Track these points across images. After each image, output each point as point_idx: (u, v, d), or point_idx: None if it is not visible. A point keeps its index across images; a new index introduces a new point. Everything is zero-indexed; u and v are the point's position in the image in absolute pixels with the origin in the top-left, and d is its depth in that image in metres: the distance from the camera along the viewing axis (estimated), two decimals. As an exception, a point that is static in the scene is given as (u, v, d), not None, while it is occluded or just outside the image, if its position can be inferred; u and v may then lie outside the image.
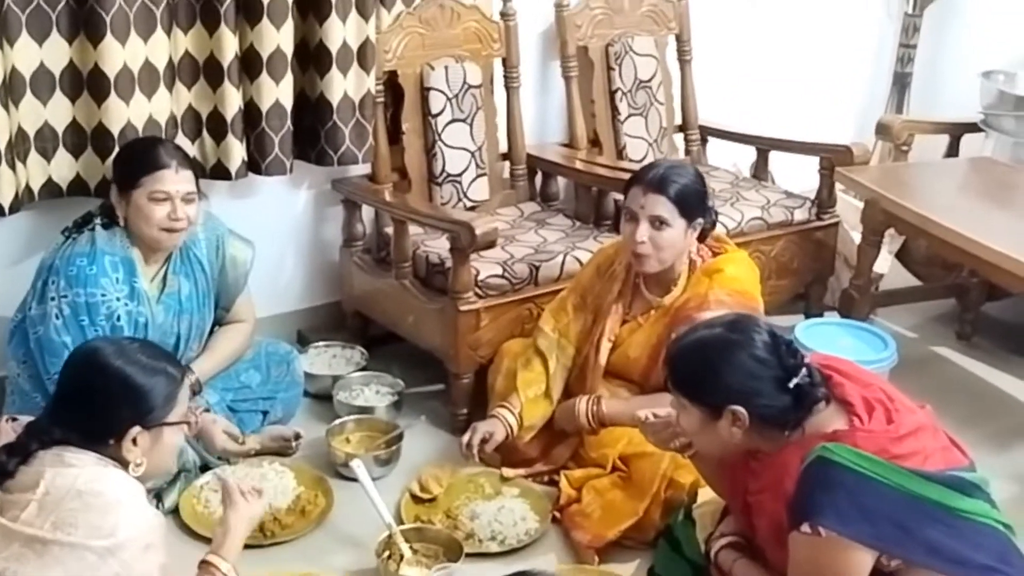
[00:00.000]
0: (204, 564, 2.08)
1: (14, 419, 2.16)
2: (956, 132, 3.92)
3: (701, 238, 2.77)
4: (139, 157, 2.66)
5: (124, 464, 1.94)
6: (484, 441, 2.77)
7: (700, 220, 2.71)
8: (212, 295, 2.85)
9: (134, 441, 1.93)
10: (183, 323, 2.77)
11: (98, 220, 2.68)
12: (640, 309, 2.82)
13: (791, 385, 1.97)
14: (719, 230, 3.37)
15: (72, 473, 1.86)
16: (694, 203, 2.68)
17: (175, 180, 2.63)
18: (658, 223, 2.65)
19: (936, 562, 1.87)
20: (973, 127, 3.90)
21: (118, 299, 2.61)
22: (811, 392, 1.99)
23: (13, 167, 2.78)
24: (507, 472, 2.87)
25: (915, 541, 1.86)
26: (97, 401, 1.93)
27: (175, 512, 2.71)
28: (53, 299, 2.58)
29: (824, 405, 2.00)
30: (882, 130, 3.90)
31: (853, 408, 1.97)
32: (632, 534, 2.60)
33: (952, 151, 3.94)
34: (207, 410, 2.76)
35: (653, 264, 2.71)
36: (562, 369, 2.87)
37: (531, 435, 2.84)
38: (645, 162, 3.71)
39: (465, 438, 2.77)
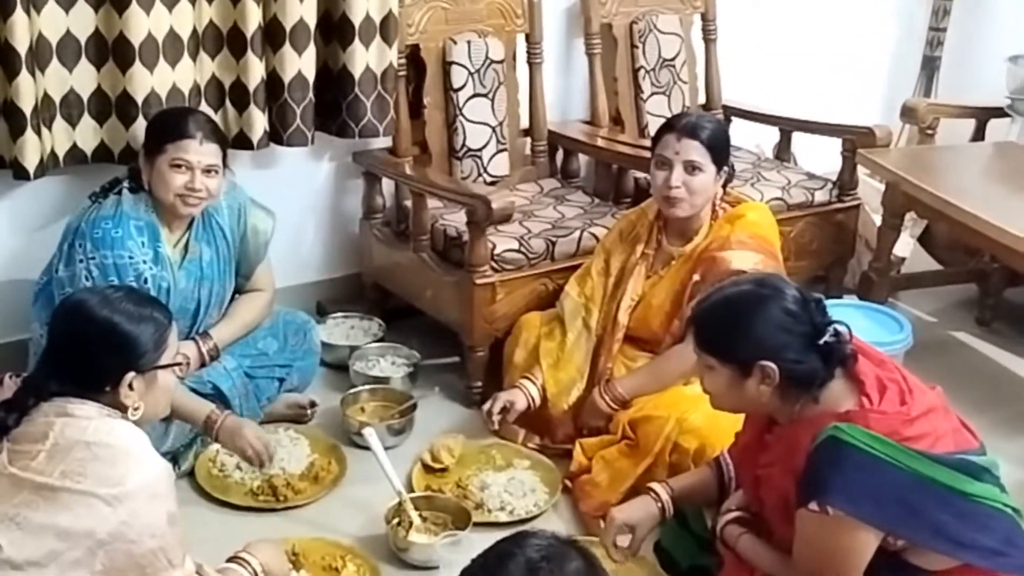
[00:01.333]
0: (236, 559, 2.12)
1: (17, 375, 2.19)
2: (982, 117, 3.89)
3: (723, 187, 2.82)
4: (168, 124, 2.70)
5: (122, 409, 1.96)
6: (505, 411, 2.80)
7: (727, 168, 2.79)
8: (233, 263, 2.88)
9: (130, 386, 1.95)
10: (204, 290, 2.80)
11: (125, 184, 2.72)
12: (662, 262, 2.87)
13: (820, 343, 1.96)
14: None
15: (81, 424, 1.89)
16: (723, 149, 2.78)
17: (198, 151, 2.65)
18: (691, 168, 2.72)
19: (942, 544, 1.88)
20: (1000, 112, 3.86)
21: (144, 262, 2.65)
22: (838, 351, 1.98)
23: (39, 132, 2.82)
24: (525, 440, 2.89)
25: (922, 523, 1.86)
26: (89, 350, 1.94)
27: (191, 475, 2.75)
28: (81, 261, 2.61)
29: (840, 377, 2.00)
30: (908, 113, 3.87)
31: (864, 387, 1.96)
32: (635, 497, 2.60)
33: (978, 136, 3.91)
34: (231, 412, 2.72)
35: (686, 208, 2.76)
36: (587, 332, 2.89)
37: (566, 405, 2.85)
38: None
39: (486, 406, 2.81)
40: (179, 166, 2.64)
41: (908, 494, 1.86)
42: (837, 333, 2.00)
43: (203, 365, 2.80)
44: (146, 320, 1.98)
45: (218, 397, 2.79)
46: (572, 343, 2.88)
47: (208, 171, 2.67)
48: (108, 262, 2.61)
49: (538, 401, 2.84)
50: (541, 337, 2.92)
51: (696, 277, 2.73)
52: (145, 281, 2.63)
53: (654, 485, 2.40)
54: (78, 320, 1.97)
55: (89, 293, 2.05)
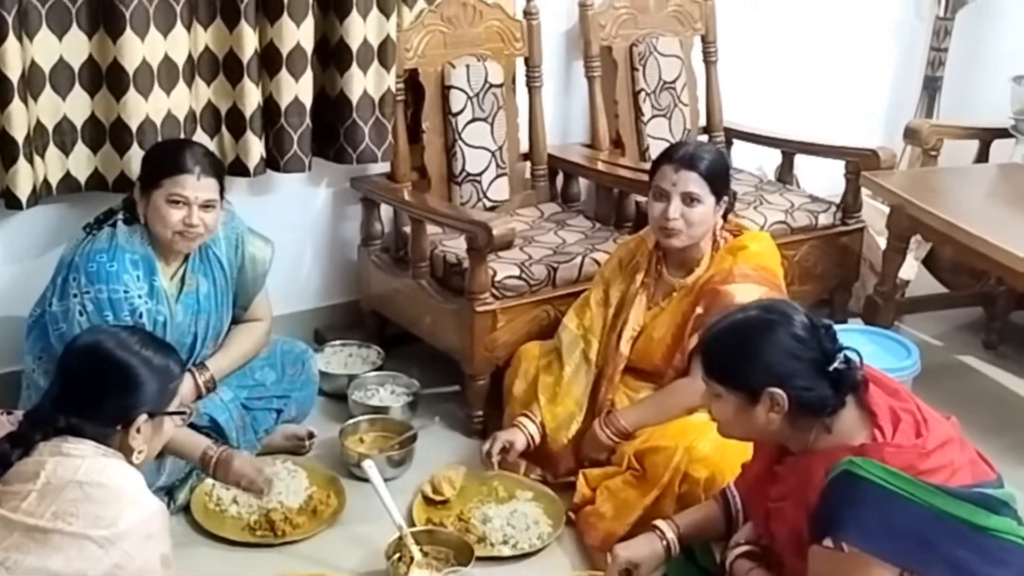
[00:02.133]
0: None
1: (9, 412, 2.16)
2: (986, 137, 3.85)
3: (723, 216, 2.78)
4: (165, 158, 2.64)
5: (126, 452, 1.95)
6: (504, 451, 2.75)
7: (726, 198, 2.74)
8: (230, 294, 2.83)
9: (138, 430, 1.95)
10: (201, 323, 2.75)
11: (120, 216, 2.67)
12: (663, 293, 2.82)
13: (830, 369, 1.93)
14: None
15: (74, 464, 1.86)
16: (722, 179, 2.73)
17: (195, 186, 2.59)
18: (689, 200, 2.68)
19: None
20: (1004, 132, 3.82)
21: (139, 296, 2.59)
22: (848, 378, 1.95)
23: (31, 161, 2.78)
24: (527, 472, 2.85)
25: (939, 558, 1.82)
26: (108, 389, 1.94)
27: (186, 510, 2.70)
28: (76, 296, 2.56)
29: (852, 406, 1.96)
30: (911, 134, 3.84)
31: (876, 419, 1.93)
32: (643, 531, 2.55)
33: (982, 156, 3.87)
34: (232, 446, 2.71)
35: (683, 239, 2.72)
36: (587, 365, 2.84)
37: (565, 439, 2.80)
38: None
39: (485, 446, 2.76)
40: (176, 202, 2.59)
41: (925, 530, 1.82)
42: (847, 360, 1.96)
43: (199, 397, 2.74)
44: (164, 364, 2.00)
45: (215, 430, 2.75)
46: (570, 376, 2.83)
47: (206, 206, 2.62)
48: (103, 296, 2.55)
49: (538, 439, 2.79)
50: (540, 370, 2.87)
51: (699, 310, 2.68)
52: (140, 316, 2.57)
53: (659, 523, 2.38)
54: (98, 358, 1.97)
55: (106, 333, 2.05)
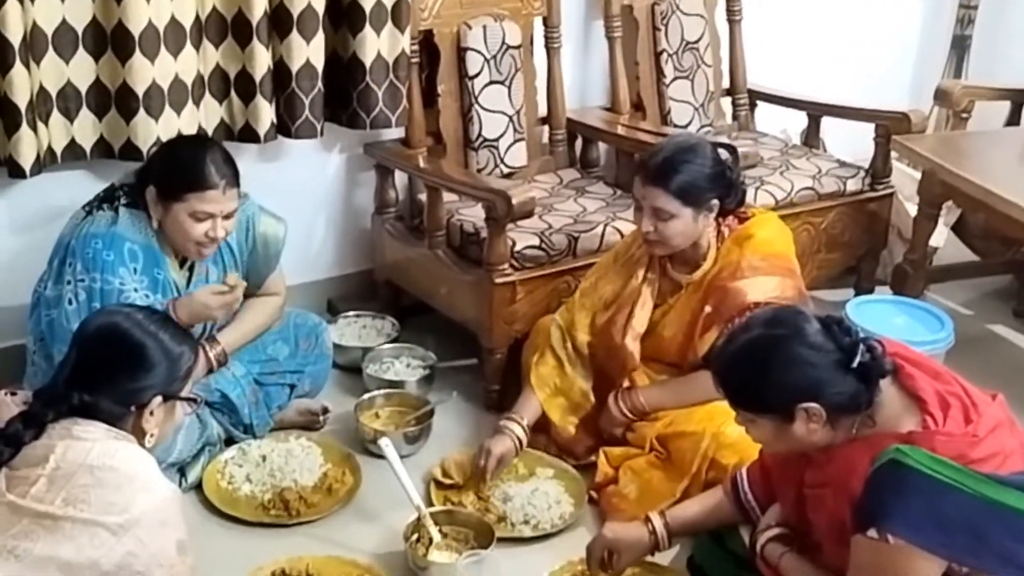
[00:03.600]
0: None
1: (13, 393, 2.10)
2: (1018, 99, 3.75)
3: (726, 213, 2.61)
4: (188, 170, 2.49)
5: (138, 435, 1.91)
6: (501, 462, 2.65)
7: (714, 203, 2.55)
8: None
9: (151, 412, 1.91)
10: None
11: (122, 200, 2.56)
12: (669, 291, 2.69)
13: (854, 366, 1.85)
14: (766, 200, 3.26)
15: (84, 447, 1.81)
16: (701, 191, 2.52)
17: (220, 201, 2.49)
18: (660, 215, 2.52)
19: (1011, 571, 1.75)
20: (1036, 94, 3.71)
21: (135, 290, 2.50)
22: (876, 367, 1.87)
23: (35, 128, 2.69)
24: (546, 447, 2.78)
25: (989, 550, 1.74)
26: (127, 368, 1.89)
27: (198, 487, 2.63)
28: (69, 282, 2.48)
29: (894, 393, 1.88)
30: (941, 96, 3.72)
31: (926, 405, 1.85)
32: None
33: (1014, 119, 3.76)
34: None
35: (663, 249, 2.60)
36: (579, 357, 2.75)
37: (573, 427, 2.74)
38: (691, 128, 3.61)
39: (480, 462, 2.62)
40: (200, 218, 2.49)
41: (975, 520, 1.73)
42: (870, 349, 1.87)
43: (210, 372, 2.67)
44: (180, 347, 1.95)
45: (227, 405, 2.69)
46: (571, 371, 2.74)
47: (228, 216, 2.53)
48: (96, 287, 2.46)
49: (526, 439, 2.68)
50: (534, 364, 2.76)
51: (708, 308, 2.56)
52: None
53: (652, 514, 2.33)
54: (115, 337, 1.92)
55: (123, 313, 1.99)
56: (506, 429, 2.66)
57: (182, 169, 2.50)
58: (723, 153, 2.62)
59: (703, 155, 2.54)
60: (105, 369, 1.89)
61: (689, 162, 2.51)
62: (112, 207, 2.54)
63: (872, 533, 1.76)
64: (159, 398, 1.91)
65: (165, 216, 2.52)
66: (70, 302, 2.46)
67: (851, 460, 1.86)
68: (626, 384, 2.71)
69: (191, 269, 2.64)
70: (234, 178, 2.53)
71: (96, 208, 2.55)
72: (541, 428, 2.79)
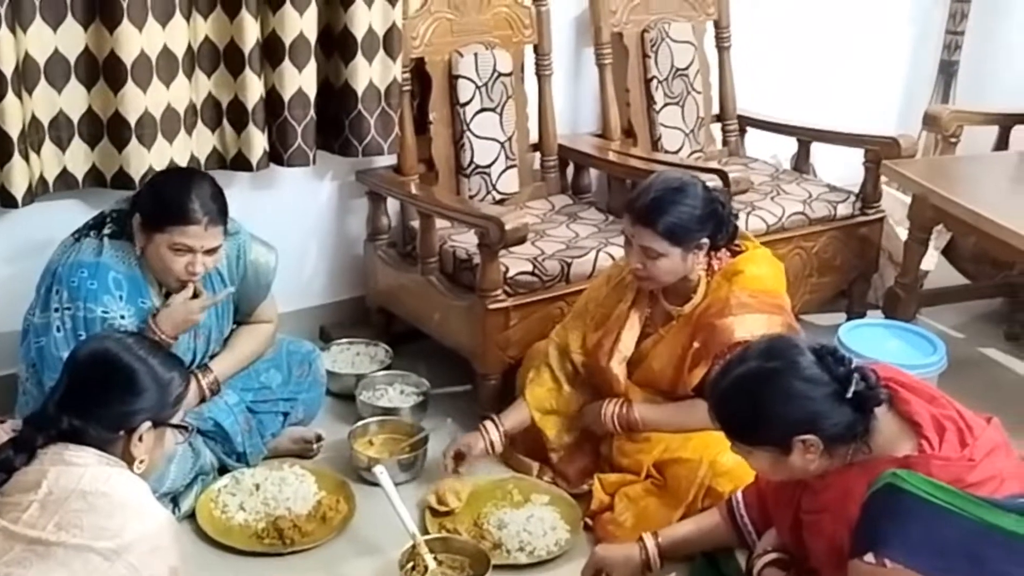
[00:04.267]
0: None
1: (2, 420, 2.10)
2: (1006, 123, 3.78)
3: (718, 248, 2.61)
4: (171, 202, 2.49)
5: (128, 461, 1.91)
6: (460, 456, 2.67)
7: (704, 242, 2.54)
8: (231, 307, 2.74)
9: (140, 438, 1.90)
10: (200, 339, 2.66)
11: (108, 229, 2.55)
12: (660, 320, 2.69)
13: (849, 396, 1.85)
14: (758, 225, 3.28)
15: (76, 472, 1.80)
16: (689, 231, 2.51)
17: (202, 236, 2.49)
18: (648, 253, 2.53)
19: None
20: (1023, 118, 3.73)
21: (122, 317, 2.49)
22: (871, 396, 1.87)
23: (27, 157, 2.69)
24: (540, 473, 2.79)
25: (986, 573, 1.74)
26: (116, 392, 1.89)
27: (192, 517, 2.61)
28: (56, 310, 2.48)
29: (889, 418, 1.89)
30: (930, 121, 3.75)
31: (922, 429, 1.85)
32: None
33: (1002, 143, 3.79)
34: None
35: (652, 285, 2.61)
36: (577, 376, 2.76)
37: (570, 439, 2.75)
38: (681, 154, 3.62)
39: (444, 448, 2.64)
40: (179, 250, 2.49)
41: (972, 544, 1.73)
42: (864, 378, 1.88)
43: (203, 400, 2.66)
44: (170, 373, 1.95)
45: (220, 434, 2.67)
46: (568, 392, 2.75)
47: (209, 252, 2.52)
48: (80, 315, 2.46)
49: (499, 447, 2.70)
50: (528, 382, 2.77)
51: (696, 344, 2.56)
52: None
53: (644, 535, 2.33)
54: (104, 362, 1.92)
55: (113, 339, 2.00)
56: (481, 428, 2.68)
57: (166, 201, 2.50)
58: (714, 188, 2.62)
59: (693, 195, 2.53)
60: (95, 393, 1.89)
61: (678, 203, 2.50)
62: (98, 236, 2.54)
63: (869, 558, 1.75)
64: (148, 423, 1.90)
65: (147, 245, 2.52)
66: (58, 329, 2.46)
67: (848, 485, 1.86)
68: (622, 400, 2.70)
69: None
70: (219, 215, 2.51)
71: (84, 236, 2.55)
72: (535, 454, 2.79)
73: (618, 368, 2.68)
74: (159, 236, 2.49)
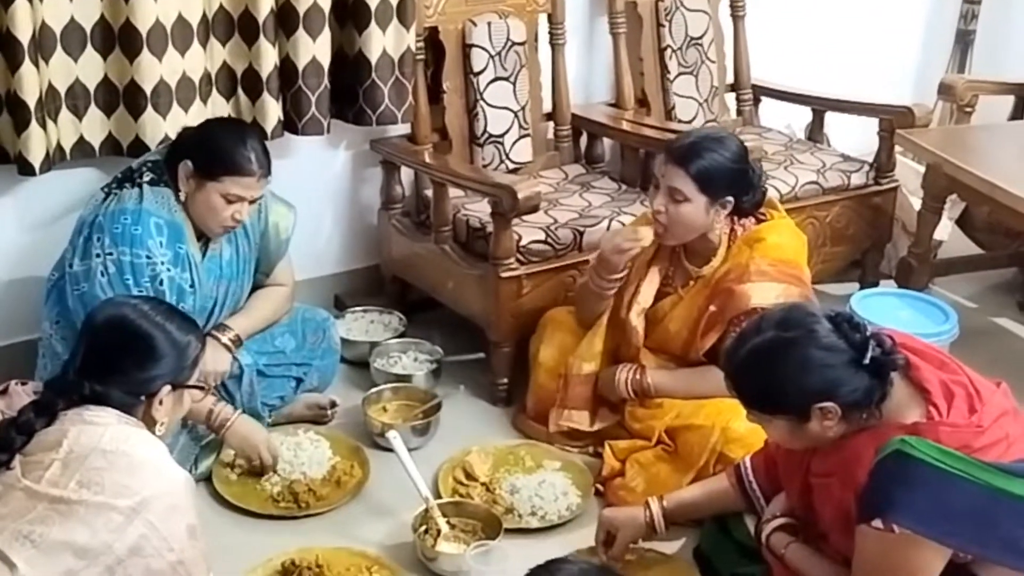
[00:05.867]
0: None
1: (23, 382, 2.12)
2: (1022, 93, 3.77)
3: (743, 214, 2.62)
4: (230, 152, 2.54)
5: (148, 423, 1.94)
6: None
7: (729, 199, 2.56)
8: (252, 261, 2.77)
9: (160, 401, 1.94)
10: (222, 288, 2.70)
11: (146, 178, 2.58)
12: (681, 280, 2.71)
13: (866, 362, 1.86)
14: (771, 195, 3.26)
15: (97, 431, 1.84)
16: (721, 181, 2.53)
17: (254, 187, 2.56)
18: (674, 196, 2.53)
19: (1013, 558, 1.77)
20: (1040, 87, 3.73)
21: (162, 263, 2.53)
22: (887, 362, 1.88)
23: (44, 125, 2.70)
24: (551, 438, 2.80)
25: (995, 538, 1.76)
26: (138, 358, 1.92)
27: (208, 480, 2.65)
28: (98, 256, 2.50)
29: (900, 384, 1.89)
30: (945, 90, 3.74)
31: (931, 396, 1.86)
32: None
33: (1017, 113, 3.78)
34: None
35: (670, 236, 2.60)
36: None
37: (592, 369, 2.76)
38: (695, 123, 3.61)
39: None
40: (231, 200, 2.54)
41: (980, 509, 1.75)
42: (880, 344, 1.88)
43: (232, 354, 2.70)
44: (186, 336, 1.98)
45: (223, 388, 2.71)
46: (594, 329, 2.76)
47: (253, 201, 2.59)
48: (126, 260, 2.49)
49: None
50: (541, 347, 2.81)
51: (712, 308, 2.57)
52: (161, 283, 2.51)
53: (650, 498, 2.36)
54: (122, 329, 1.95)
55: (129, 305, 2.01)
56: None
57: (225, 151, 2.55)
58: (752, 148, 2.63)
59: (730, 148, 2.56)
60: (115, 360, 1.92)
61: (713, 151, 2.54)
62: (135, 185, 2.57)
63: (877, 523, 1.76)
64: (168, 387, 1.94)
65: (196, 192, 2.56)
66: (102, 274, 2.48)
67: (857, 450, 1.87)
68: (637, 366, 2.72)
69: (206, 244, 2.67)
70: (269, 168, 2.60)
71: (117, 188, 2.58)
72: (544, 419, 2.82)
73: (636, 320, 2.70)
74: (212, 184, 2.54)
